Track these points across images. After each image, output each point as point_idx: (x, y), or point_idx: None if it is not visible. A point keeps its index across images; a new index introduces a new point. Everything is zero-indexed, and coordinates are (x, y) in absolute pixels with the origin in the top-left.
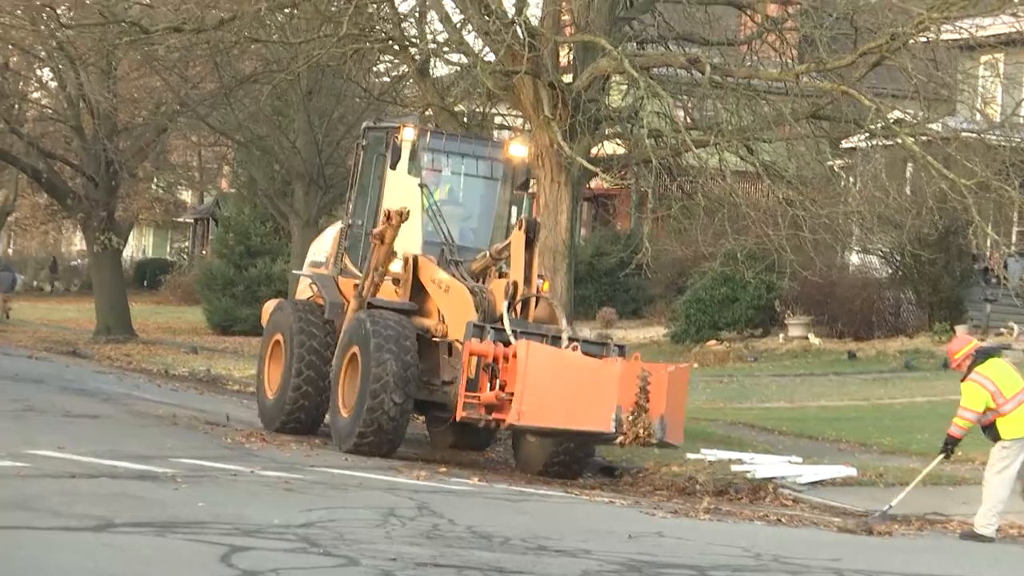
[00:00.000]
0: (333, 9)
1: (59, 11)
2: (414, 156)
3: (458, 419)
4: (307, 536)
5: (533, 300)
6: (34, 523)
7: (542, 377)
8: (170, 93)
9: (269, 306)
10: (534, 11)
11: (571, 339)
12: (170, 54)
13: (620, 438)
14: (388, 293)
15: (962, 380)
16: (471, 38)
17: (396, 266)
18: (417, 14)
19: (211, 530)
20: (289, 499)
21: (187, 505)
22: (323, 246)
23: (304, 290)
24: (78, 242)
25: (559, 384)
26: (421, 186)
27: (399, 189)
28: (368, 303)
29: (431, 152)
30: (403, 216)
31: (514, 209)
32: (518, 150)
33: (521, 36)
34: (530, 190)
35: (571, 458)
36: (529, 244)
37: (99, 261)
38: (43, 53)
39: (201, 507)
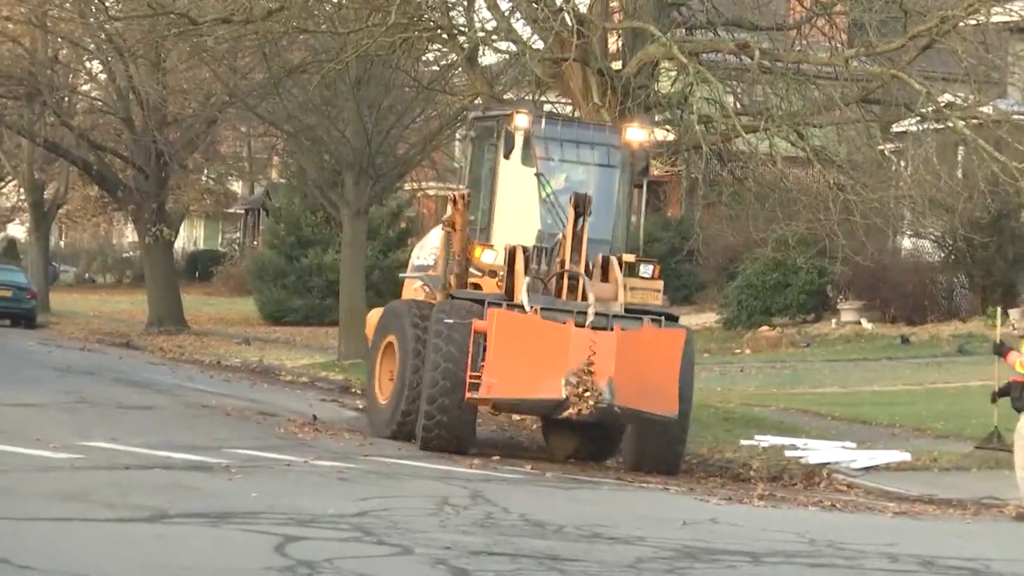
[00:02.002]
0: None
1: (108, 3)
2: (528, 145)
3: (465, 400)
4: (361, 525)
5: (582, 278)
6: (88, 514)
7: (510, 347)
8: (219, 84)
9: (374, 316)
10: None
11: (598, 314)
12: (219, 45)
13: (569, 408)
14: (489, 286)
15: None
16: (520, 26)
17: (490, 257)
18: (465, 2)
19: (265, 520)
20: (343, 488)
21: (241, 495)
22: (428, 249)
23: (410, 293)
24: (129, 234)
25: (524, 353)
26: (537, 175)
27: (513, 180)
28: (450, 295)
29: (546, 140)
30: (466, 199)
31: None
32: (636, 134)
33: (570, 23)
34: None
35: (662, 452)
36: (577, 218)
37: (151, 253)
38: (92, 45)
39: (255, 497)
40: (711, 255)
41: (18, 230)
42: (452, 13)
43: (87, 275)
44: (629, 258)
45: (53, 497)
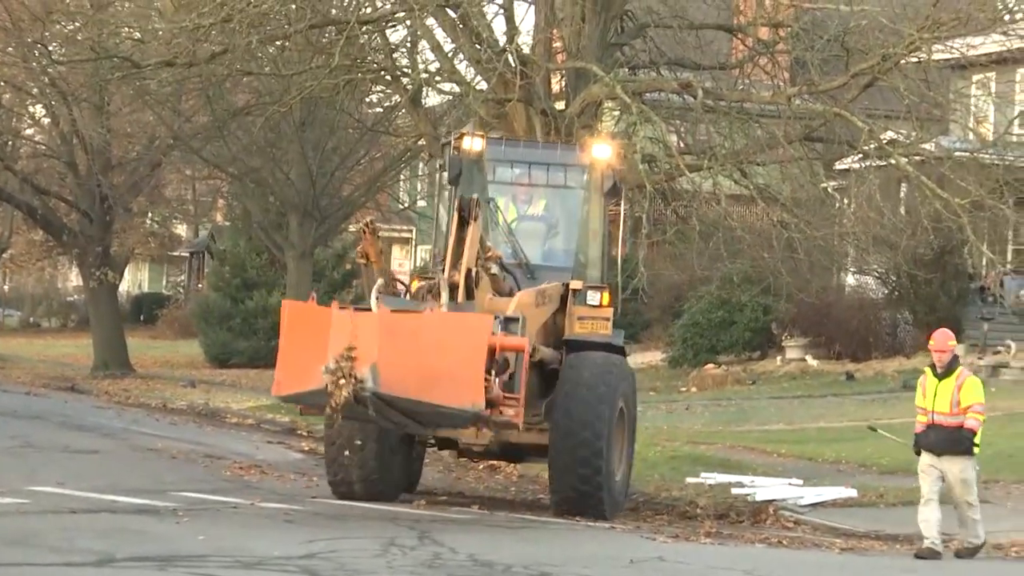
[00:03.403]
0: (324, 40)
1: (51, 47)
2: (480, 168)
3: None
4: (308, 567)
5: (460, 285)
6: (35, 559)
7: (294, 339)
8: (163, 127)
9: None
10: (525, 39)
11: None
12: (162, 88)
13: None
14: None
15: (944, 377)
16: (463, 67)
17: None
18: (408, 44)
19: (212, 563)
20: (290, 531)
21: (188, 539)
22: None
23: None
24: (74, 278)
25: (303, 344)
26: (487, 202)
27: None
28: None
29: (499, 163)
30: (371, 227)
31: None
32: (602, 151)
33: (513, 64)
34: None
35: (578, 492)
36: (462, 224)
37: (95, 296)
38: (35, 89)
39: (202, 540)
40: (656, 294)
41: None
42: (395, 55)
43: (32, 319)
44: (576, 285)
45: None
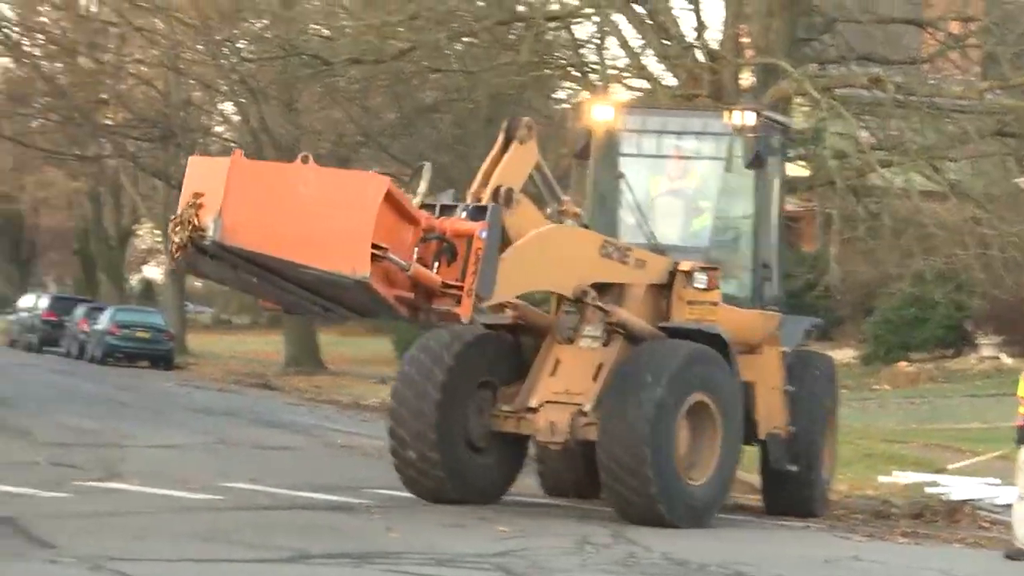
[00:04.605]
0: (511, 37)
1: (239, 45)
2: (612, 139)
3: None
4: (502, 565)
5: (484, 202)
6: (230, 555)
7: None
8: (352, 124)
9: None
10: (713, 34)
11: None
12: (351, 85)
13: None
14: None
15: None
16: (651, 63)
17: None
18: (596, 40)
19: (406, 560)
20: (482, 528)
21: (381, 536)
22: None
23: None
24: None
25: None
26: (618, 176)
27: (597, 183)
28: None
29: (634, 133)
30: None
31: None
32: (741, 118)
33: (701, 60)
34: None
35: (622, 495)
36: (505, 146)
37: None
38: (225, 87)
39: (395, 538)
40: (847, 290)
41: (154, 272)
42: (582, 51)
43: (223, 316)
44: (685, 266)
45: (195, 538)
